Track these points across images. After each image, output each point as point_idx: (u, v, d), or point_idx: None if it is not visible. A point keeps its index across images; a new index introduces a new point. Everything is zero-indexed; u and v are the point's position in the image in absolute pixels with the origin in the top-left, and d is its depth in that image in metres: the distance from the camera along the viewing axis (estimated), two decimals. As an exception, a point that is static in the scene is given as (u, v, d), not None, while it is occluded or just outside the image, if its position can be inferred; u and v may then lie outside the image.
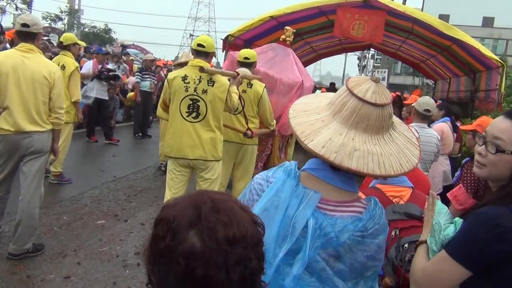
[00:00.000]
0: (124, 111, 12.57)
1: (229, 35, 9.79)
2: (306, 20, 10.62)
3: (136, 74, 10.63)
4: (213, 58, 4.46)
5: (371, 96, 1.29)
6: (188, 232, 0.86)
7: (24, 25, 3.66)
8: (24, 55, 3.67)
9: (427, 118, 4.46)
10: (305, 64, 18.48)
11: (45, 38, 12.61)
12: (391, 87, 30.98)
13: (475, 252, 1.42)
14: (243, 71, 4.59)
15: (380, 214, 1.34)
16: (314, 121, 1.33)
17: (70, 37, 6.30)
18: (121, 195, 5.91)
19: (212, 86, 3.94)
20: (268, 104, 4.90)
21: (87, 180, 6.36)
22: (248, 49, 5.27)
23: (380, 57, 30.09)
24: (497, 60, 8.44)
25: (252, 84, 4.80)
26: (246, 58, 4.95)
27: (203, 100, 3.92)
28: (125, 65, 12.92)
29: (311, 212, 1.27)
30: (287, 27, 6.54)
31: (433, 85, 16.91)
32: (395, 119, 1.45)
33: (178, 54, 63.82)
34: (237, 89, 4.26)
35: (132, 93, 11.23)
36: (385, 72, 22.35)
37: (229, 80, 4.15)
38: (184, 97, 3.93)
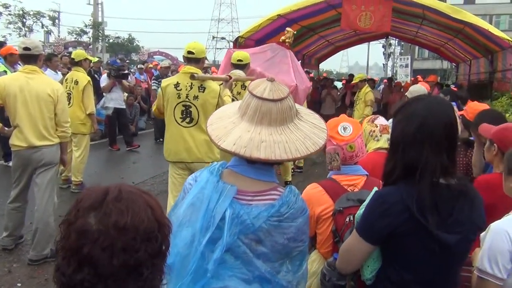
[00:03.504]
0: (146, 118, 12.97)
1: (239, 36, 10.02)
2: (316, 15, 10.72)
3: (152, 81, 10.99)
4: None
5: (268, 93, 1.49)
6: (88, 213, 0.97)
7: (26, 48, 3.97)
8: (28, 76, 3.99)
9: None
10: (325, 57, 18.57)
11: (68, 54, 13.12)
12: (418, 72, 30.39)
13: (371, 227, 1.66)
14: (237, 73, 4.76)
15: (296, 200, 1.52)
16: (227, 124, 1.53)
17: (81, 53, 6.68)
18: (138, 199, 6.19)
19: (203, 92, 4.11)
20: None
21: (106, 187, 6.68)
22: (242, 51, 5.44)
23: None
24: (508, 40, 8.31)
25: (246, 86, 4.96)
26: (239, 60, 5.12)
27: (195, 105, 4.10)
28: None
29: (228, 203, 1.46)
30: (288, 29, 6.66)
31: (456, 69, 16.64)
32: (303, 110, 1.64)
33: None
34: (231, 91, 4.44)
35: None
36: (407, 58, 22.03)
37: (221, 84, 4.32)
38: (177, 104, 4.12)
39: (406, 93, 4.69)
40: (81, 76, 6.26)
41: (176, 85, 4.14)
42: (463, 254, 1.74)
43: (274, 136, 1.47)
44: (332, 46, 16.56)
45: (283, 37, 6.50)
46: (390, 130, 3.00)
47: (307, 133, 1.54)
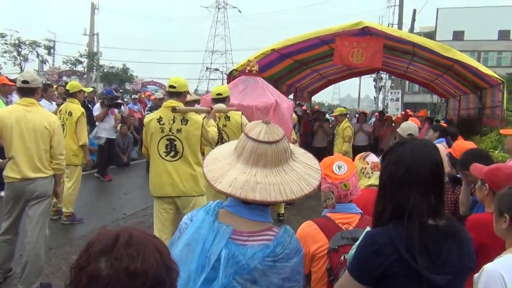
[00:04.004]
0: (139, 148, 12.96)
1: (234, 69, 10.14)
2: (309, 50, 10.91)
3: (146, 112, 11.03)
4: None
5: (263, 136, 1.53)
6: (99, 258, 0.98)
7: (24, 81, 4.03)
8: (25, 109, 4.03)
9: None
10: (318, 90, 18.85)
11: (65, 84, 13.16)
12: (408, 105, 30.96)
13: (362, 267, 1.68)
14: (218, 106, 4.81)
15: (290, 240, 1.54)
16: (223, 165, 1.56)
17: (76, 85, 6.73)
18: (130, 231, 6.12)
19: (186, 124, 4.16)
20: (246, 123, 5.13)
21: (98, 219, 6.64)
22: (220, 86, 5.57)
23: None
24: (496, 77, 8.53)
25: (229, 117, 5.05)
26: (219, 94, 5.18)
27: (179, 139, 4.14)
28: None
29: (224, 244, 1.47)
30: (249, 58, 6.79)
31: (446, 104, 16.93)
32: (298, 150, 1.68)
33: (197, 87, 64.99)
34: (215, 122, 4.52)
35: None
36: (398, 92, 22.45)
37: (205, 117, 4.38)
38: (161, 138, 4.15)
39: (397, 130, 4.76)
40: (75, 107, 6.31)
41: (159, 119, 4.18)
42: None
43: (269, 178, 1.50)
44: (325, 79, 16.82)
45: (248, 68, 6.62)
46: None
47: (302, 174, 1.57)
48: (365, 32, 9.28)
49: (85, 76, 31.39)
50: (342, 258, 2.16)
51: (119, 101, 9.89)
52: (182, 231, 1.60)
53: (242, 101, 5.78)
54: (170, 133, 4.15)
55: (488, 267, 1.86)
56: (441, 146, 5.76)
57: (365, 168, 2.97)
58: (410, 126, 4.59)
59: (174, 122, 4.15)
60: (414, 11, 26.79)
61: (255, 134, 1.53)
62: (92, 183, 9.15)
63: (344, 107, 15.57)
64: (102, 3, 39.62)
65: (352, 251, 1.82)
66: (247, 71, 6.59)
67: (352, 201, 2.34)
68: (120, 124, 11.55)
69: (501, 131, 5.07)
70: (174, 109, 4.10)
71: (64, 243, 5.53)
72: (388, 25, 30.72)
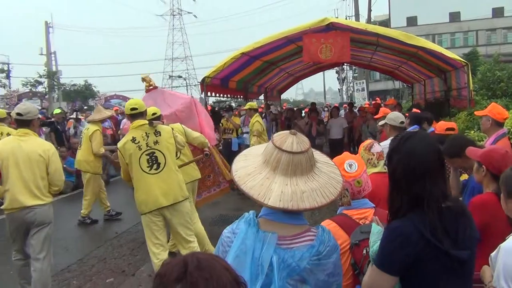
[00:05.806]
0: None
1: (205, 77, 10.16)
2: (277, 50, 11.06)
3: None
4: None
5: (297, 147, 1.62)
6: (175, 285, 1.02)
7: (19, 114, 4.12)
8: (20, 139, 4.10)
9: (403, 129, 4.78)
10: (286, 88, 19.12)
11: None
12: (372, 94, 31.67)
13: (392, 260, 1.81)
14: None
15: (329, 238, 1.66)
16: (261, 181, 1.62)
17: (2, 112, 7.59)
18: (125, 250, 6.13)
19: (160, 135, 4.37)
20: (188, 129, 5.31)
21: (90, 241, 6.59)
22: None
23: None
24: (460, 60, 8.86)
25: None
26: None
27: (158, 150, 4.30)
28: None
29: (273, 250, 1.57)
30: (143, 76, 6.58)
31: (410, 89, 17.39)
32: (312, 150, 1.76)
33: (162, 96, 63.91)
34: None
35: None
36: (363, 82, 22.92)
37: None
38: (141, 155, 4.27)
39: (384, 120, 4.92)
40: (7, 129, 6.89)
41: (133, 139, 4.30)
42: (473, 267, 1.92)
43: (309, 184, 1.61)
44: (292, 77, 17.07)
45: (146, 85, 6.36)
46: (384, 156, 3.24)
47: (329, 173, 1.69)
48: (331, 28, 9.46)
49: (47, 96, 30.63)
50: (364, 251, 2.28)
51: (52, 119, 10.39)
52: (225, 245, 1.67)
53: (163, 113, 5.53)
54: (148, 148, 4.29)
55: (505, 245, 2.00)
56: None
57: (371, 159, 3.18)
58: (398, 116, 4.79)
59: (148, 137, 4.32)
60: (369, 1, 27.35)
61: (289, 147, 1.62)
62: (75, 204, 9.00)
63: (314, 103, 15.83)
64: (56, 21, 38.68)
65: (374, 246, 1.93)
66: (146, 88, 6.36)
67: (365, 197, 2.47)
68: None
69: (475, 112, 5.32)
70: (151, 123, 4.35)
71: (62, 269, 5.46)
72: (346, 18, 31.34)
